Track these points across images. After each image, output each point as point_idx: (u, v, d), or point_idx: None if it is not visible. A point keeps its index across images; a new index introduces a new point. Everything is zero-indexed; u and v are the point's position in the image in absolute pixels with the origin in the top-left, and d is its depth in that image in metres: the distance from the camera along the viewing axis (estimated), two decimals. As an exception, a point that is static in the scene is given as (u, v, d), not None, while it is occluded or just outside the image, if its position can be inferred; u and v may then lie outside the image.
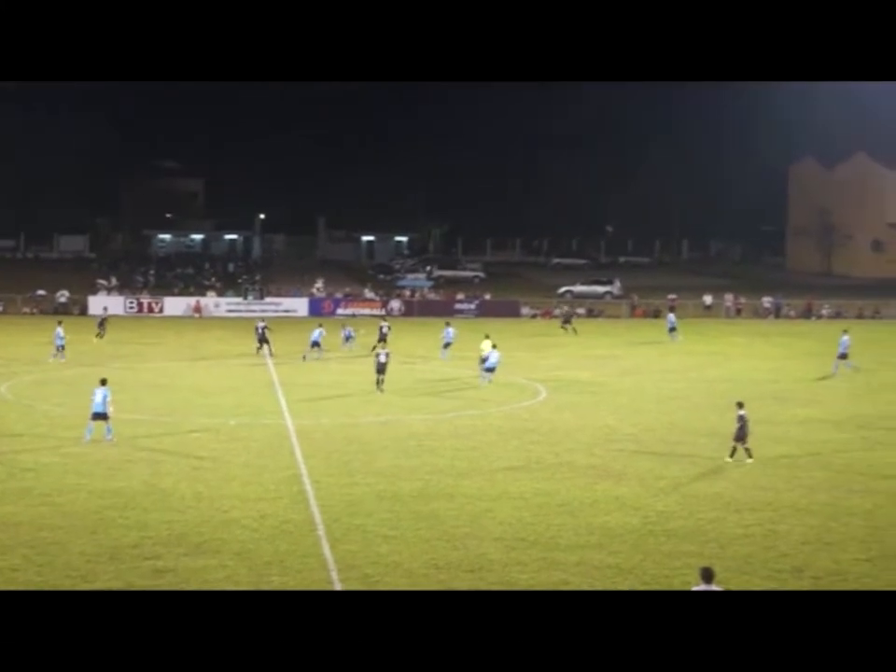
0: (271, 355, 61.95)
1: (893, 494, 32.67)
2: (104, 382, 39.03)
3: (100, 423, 38.43)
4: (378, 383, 50.26)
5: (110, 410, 38.43)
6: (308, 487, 32.46)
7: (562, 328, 77.30)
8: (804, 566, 25.73)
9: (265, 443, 38.64)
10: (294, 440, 39.29)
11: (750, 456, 36.11)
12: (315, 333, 61.33)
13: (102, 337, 68.29)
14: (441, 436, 40.38)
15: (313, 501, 30.87)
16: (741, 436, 36.18)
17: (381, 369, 50.40)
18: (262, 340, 63.12)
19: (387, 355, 51.48)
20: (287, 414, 44.08)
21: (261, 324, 64.08)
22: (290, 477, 33.77)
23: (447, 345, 62.04)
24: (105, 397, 38.31)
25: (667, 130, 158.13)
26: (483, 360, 53.91)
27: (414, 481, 33.41)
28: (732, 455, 36.25)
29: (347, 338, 65.21)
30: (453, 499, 31.29)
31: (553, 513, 30.02)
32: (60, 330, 59.18)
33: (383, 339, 61.49)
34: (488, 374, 52.96)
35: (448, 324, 64.17)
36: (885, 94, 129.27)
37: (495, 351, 53.82)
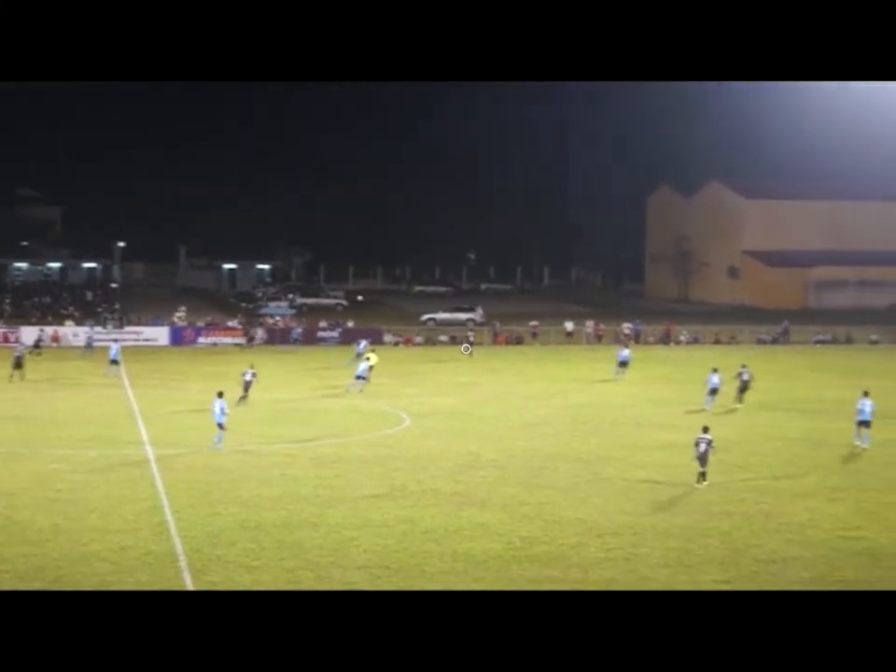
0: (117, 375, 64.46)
1: (749, 516, 33.25)
2: (220, 394, 43.15)
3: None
4: (242, 398, 52.47)
5: (224, 420, 42.03)
6: (169, 518, 32.03)
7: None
8: (664, 588, 26.00)
9: (125, 474, 38.06)
10: (155, 470, 38.76)
11: (702, 480, 36.88)
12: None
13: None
14: (303, 464, 40.14)
15: (174, 532, 30.46)
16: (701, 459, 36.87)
17: (246, 387, 52.97)
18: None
19: (253, 374, 53.60)
20: (147, 444, 43.49)
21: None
22: (151, 508, 33.29)
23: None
24: (222, 408, 42.24)
25: (528, 156, 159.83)
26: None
27: (277, 510, 33.16)
28: (699, 481, 36.94)
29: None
30: (317, 528, 31.12)
31: (418, 541, 30.00)
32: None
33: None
34: (359, 382, 57.85)
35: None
36: (738, 124, 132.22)
37: (373, 354, 61.10)
